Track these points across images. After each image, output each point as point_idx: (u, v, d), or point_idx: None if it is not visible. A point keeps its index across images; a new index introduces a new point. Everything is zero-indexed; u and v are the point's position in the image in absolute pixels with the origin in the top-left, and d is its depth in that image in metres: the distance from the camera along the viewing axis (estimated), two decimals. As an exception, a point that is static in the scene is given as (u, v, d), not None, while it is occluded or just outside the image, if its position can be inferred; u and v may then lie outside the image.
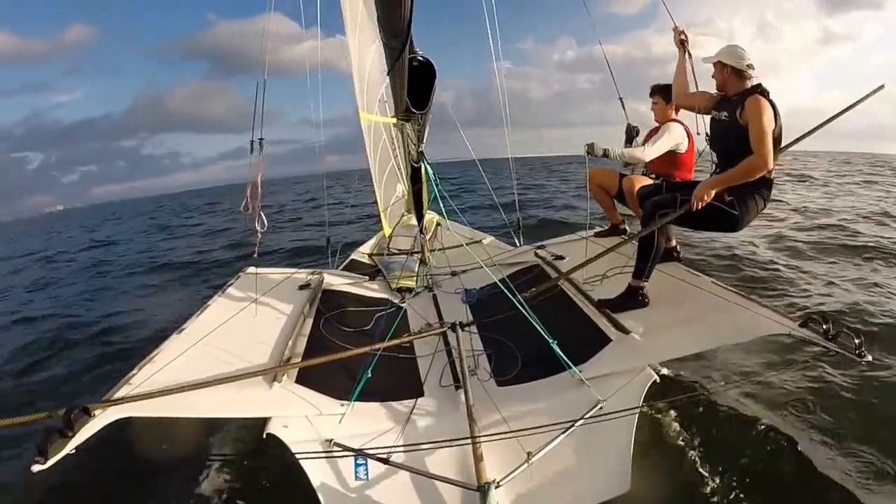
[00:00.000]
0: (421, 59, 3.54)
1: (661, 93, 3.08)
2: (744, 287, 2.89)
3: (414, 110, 3.63)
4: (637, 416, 1.69)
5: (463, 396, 2.02)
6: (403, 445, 1.79)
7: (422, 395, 2.22)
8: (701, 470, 2.08)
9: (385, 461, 1.64)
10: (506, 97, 4.10)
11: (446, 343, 2.55)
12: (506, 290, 2.60)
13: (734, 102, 2.27)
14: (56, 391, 3.72)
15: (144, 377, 1.82)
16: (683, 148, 3.04)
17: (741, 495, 1.94)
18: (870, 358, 1.59)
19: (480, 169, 4.52)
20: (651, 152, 2.97)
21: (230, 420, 2.50)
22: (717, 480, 2.03)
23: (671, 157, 3.04)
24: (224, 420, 2.51)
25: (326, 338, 2.70)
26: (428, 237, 4.48)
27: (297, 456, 1.62)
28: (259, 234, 2.58)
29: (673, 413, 2.35)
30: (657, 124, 3.18)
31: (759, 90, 2.21)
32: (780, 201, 10.02)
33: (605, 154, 2.91)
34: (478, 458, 1.54)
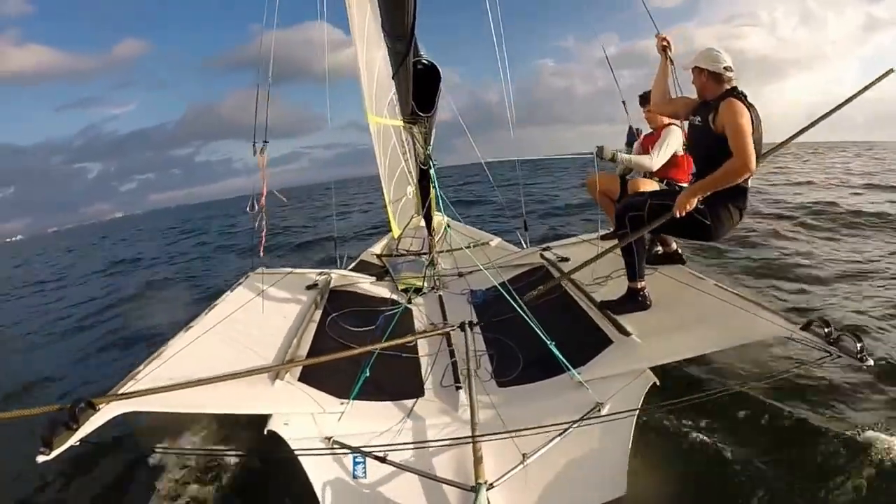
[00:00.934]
0: (426, 62, 3.57)
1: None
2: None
3: (420, 113, 3.66)
4: (635, 418, 1.68)
5: (463, 397, 2.03)
6: (402, 444, 1.80)
7: (422, 394, 2.23)
8: (699, 474, 2.06)
9: (383, 460, 1.65)
10: (511, 97, 4.09)
11: (449, 343, 2.56)
12: (505, 293, 2.61)
13: (709, 107, 2.21)
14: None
15: (149, 372, 1.87)
16: (682, 149, 3.04)
17: (739, 500, 1.91)
18: (871, 361, 1.57)
19: (488, 173, 4.44)
20: (659, 160, 3.00)
21: (231, 416, 2.55)
22: (716, 484, 2.00)
23: (672, 158, 3.05)
24: (225, 416, 2.55)
25: (331, 337, 2.73)
26: (436, 238, 4.52)
27: (297, 453, 1.65)
28: (263, 237, 2.62)
29: (671, 416, 2.32)
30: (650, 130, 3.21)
31: (735, 93, 2.14)
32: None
33: (613, 159, 2.91)
34: (477, 460, 1.55)
